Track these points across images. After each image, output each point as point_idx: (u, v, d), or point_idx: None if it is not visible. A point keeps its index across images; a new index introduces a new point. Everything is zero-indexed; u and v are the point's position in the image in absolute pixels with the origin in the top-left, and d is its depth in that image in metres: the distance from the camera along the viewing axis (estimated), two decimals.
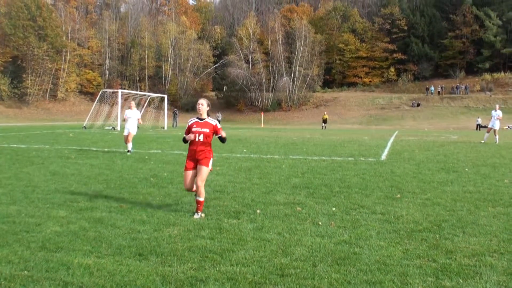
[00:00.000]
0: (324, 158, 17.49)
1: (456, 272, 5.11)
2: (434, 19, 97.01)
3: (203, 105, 7.84)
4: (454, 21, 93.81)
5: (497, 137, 27.84)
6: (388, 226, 7.05)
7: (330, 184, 11.01)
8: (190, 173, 7.80)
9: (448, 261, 5.49)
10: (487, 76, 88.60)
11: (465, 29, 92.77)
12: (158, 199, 8.93)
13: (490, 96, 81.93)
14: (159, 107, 60.13)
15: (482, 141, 27.45)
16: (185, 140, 7.93)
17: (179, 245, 5.96)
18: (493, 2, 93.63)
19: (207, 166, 7.73)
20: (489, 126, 28.86)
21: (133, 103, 19.36)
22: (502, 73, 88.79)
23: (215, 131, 7.85)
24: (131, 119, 18.78)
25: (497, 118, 28.03)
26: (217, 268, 5.15)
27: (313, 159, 17.11)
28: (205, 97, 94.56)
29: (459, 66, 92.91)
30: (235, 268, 5.14)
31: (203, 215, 7.61)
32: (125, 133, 18.58)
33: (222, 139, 7.93)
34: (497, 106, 29.51)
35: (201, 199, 7.65)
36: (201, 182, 7.66)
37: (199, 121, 7.84)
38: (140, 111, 49.79)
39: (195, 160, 7.76)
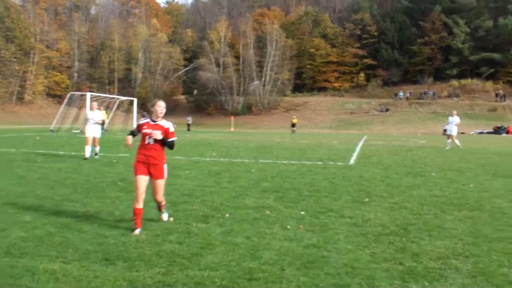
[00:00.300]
0: (293, 162, 17.55)
1: (422, 275, 5.17)
2: (403, 25, 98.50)
3: (164, 108, 7.22)
4: (423, 27, 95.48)
5: (457, 141, 28.21)
6: (356, 230, 7.10)
7: (299, 188, 11.05)
8: (142, 178, 7.04)
9: (414, 264, 5.54)
10: (455, 82, 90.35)
11: (433, 36, 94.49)
12: (126, 204, 8.82)
13: (458, 102, 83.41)
14: (129, 111, 59.70)
15: (447, 148, 27.82)
16: (130, 133, 7.44)
17: (147, 250, 5.91)
18: (461, 10, 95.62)
19: (163, 177, 7.17)
20: (447, 133, 29.14)
21: (95, 104, 18.75)
22: (469, 80, 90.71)
23: (166, 134, 7.12)
24: (93, 121, 17.95)
25: (456, 124, 28.41)
26: (185, 273, 5.11)
27: (282, 163, 17.15)
28: (175, 100, 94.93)
29: (427, 72, 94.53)
30: (203, 273, 5.11)
31: (171, 219, 7.55)
32: (88, 134, 17.79)
33: (170, 144, 7.19)
34: (455, 112, 29.89)
35: (164, 202, 7.42)
36: (160, 197, 7.25)
37: (152, 122, 7.14)
38: (109, 115, 49.40)
39: (147, 164, 7.06)
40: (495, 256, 5.90)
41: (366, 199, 9.65)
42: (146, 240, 6.34)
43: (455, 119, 28.32)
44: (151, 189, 7.16)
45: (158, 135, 6.98)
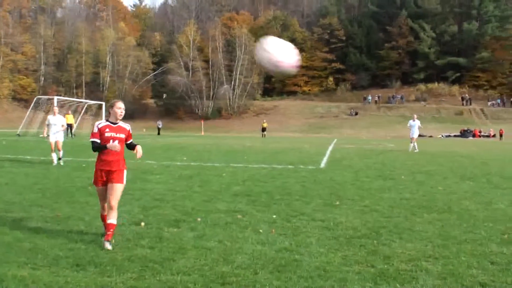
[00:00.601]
0: (264, 166, 17.57)
1: (393, 277, 5.21)
2: (371, 30, 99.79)
3: (124, 109, 6.80)
4: (390, 32, 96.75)
5: (414, 144, 28.60)
6: (328, 233, 7.13)
7: (270, 191, 11.06)
8: (104, 189, 6.65)
9: (385, 266, 5.59)
10: (422, 86, 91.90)
11: (401, 41, 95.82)
12: (96, 208, 8.67)
13: (425, 105, 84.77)
14: (97, 114, 59.04)
15: (416, 150, 28.10)
16: (100, 148, 6.62)
17: (118, 255, 5.84)
18: (427, 15, 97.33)
19: (122, 182, 6.65)
20: (411, 136, 29.38)
21: (56, 109, 18.27)
22: (436, 84, 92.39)
23: (127, 137, 6.79)
24: (55, 126, 17.28)
25: (418, 127, 28.88)
26: (158, 278, 5.07)
27: (253, 167, 17.16)
28: (144, 104, 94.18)
29: (395, 76, 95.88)
30: (176, 277, 5.08)
31: (142, 223, 7.45)
32: (51, 140, 17.21)
33: (132, 146, 6.86)
34: (415, 116, 30.47)
35: (115, 222, 6.48)
36: (115, 202, 6.54)
37: (112, 125, 6.68)
38: (77, 119, 48.79)
39: (107, 172, 6.60)
40: (464, 257, 5.99)
41: (337, 202, 9.70)
42: (117, 245, 6.26)
43: (416, 123, 28.76)
44: (107, 193, 6.59)
45: (117, 147, 6.56)
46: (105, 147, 6.54)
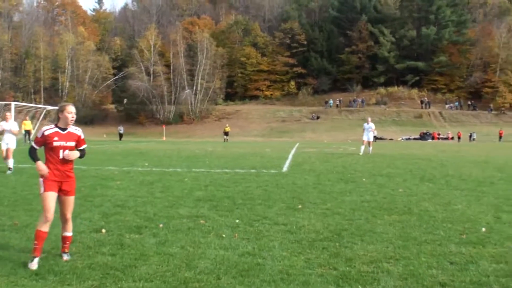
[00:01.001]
0: (226, 170, 17.54)
1: (355, 279, 5.25)
2: (332, 34, 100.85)
3: (75, 114, 6.06)
4: (350, 37, 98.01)
5: (370, 148, 28.98)
6: (290, 237, 7.14)
7: (233, 196, 11.03)
8: (53, 195, 5.86)
9: (348, 268, 5.63)
10: (382, 90, 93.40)
11: (361, 45, 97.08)
12: (55, 216, 8.54)
13: (385, 109, 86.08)
14: (56, 120, 58.06)
15: (361, 153, 28.28)
16: (33, 160, 5.90)
17: (79, 263, 5.74)
18: (386, 20, 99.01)
19: (74, 193, 6.14)
20: (364, 139, 29.50)
21: (8, 114, 17.65)
22: (396, 87, 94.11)
23: (78, 142, 6.09)
24: (8, 132, 16.48)
25: (371, 131, 29.20)
26: (119, 285, 5.00)
27: (215, 171, 17.11)
28: (105, 109, 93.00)
29: (356, 80, 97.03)
30: (138, 284, 5.01)
31: (103, 230, 7.34)
32: (3, 147, 16.56)
33: (83, 154, 6.17)
34: (369, 119, 30.69)
35: (71, 234, 6.20)
36: (71, 214, 6.15)
37: (61, 131, 5.94)
38: (35, 125, 47.86)
39: (59, 181, 5.89)
40: (424, 258, 6.09)
41: (300, 206, 9.74)
42: (77, 253, 6.15)
43: (371, 126, 29.01)
44: (61, 208, 6.08)
45: (75, 155, 5.99)
46: (36, 161, 5.85)
